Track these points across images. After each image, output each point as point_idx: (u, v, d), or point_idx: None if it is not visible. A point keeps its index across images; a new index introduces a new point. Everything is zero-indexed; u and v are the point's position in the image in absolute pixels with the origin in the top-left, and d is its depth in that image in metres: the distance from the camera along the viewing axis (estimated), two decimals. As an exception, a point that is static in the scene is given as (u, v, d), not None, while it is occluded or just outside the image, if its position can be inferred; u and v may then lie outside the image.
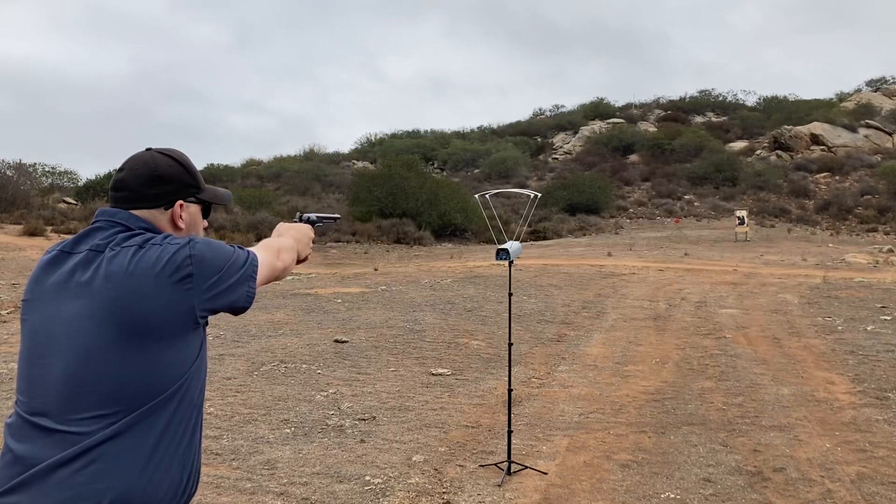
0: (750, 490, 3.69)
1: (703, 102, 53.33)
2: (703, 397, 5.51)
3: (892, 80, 50.53)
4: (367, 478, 3.83)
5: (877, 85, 50.81)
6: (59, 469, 1.24)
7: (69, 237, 1.45)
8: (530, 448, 4.36)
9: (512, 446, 4.06)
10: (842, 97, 51.19)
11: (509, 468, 3.91)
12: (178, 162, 1.49)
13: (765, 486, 3.74)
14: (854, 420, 4.89)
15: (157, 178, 1.44)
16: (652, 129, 47.43)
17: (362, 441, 4.44)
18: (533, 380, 6.12)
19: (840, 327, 8.27)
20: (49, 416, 1.28)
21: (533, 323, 8.77)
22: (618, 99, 60.36)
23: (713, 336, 7.95)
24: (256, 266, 1.43)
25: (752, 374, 6.22)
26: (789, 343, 7.52)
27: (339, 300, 10.43)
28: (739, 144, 43.64)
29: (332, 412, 5.05)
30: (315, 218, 1.88)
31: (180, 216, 1.47)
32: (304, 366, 6.44)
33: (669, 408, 5.23)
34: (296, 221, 1.81)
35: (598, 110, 52.82)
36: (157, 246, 1.34)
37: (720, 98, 54.37)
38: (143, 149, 1.51)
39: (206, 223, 1.57)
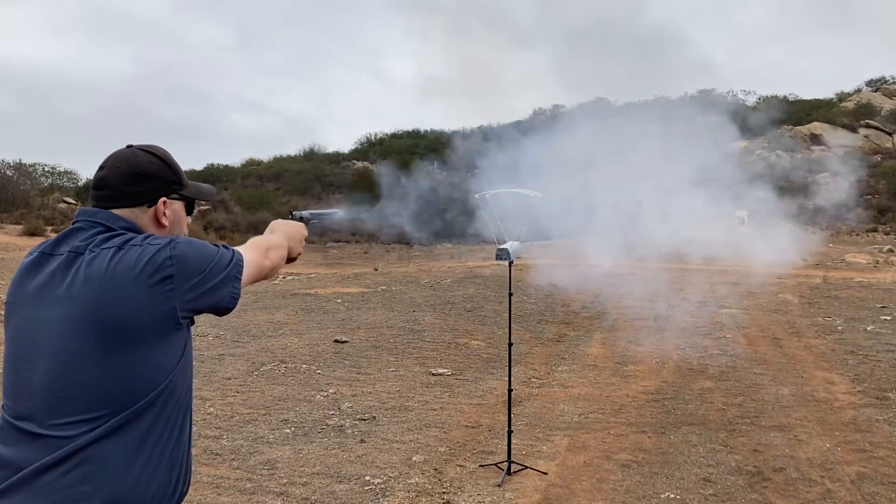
0: (750, 490, 3.69)
1: (703, 102, 53.36)
2: (703, 397, 5.51)
3: (892, 80, 50.53)
4: (367, 478, 3.83)
5: (877, 85, 50.82)
6: (46, 473, 1.23)
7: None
8: (530, 448, 4.36)
9: (512, 446, 4.06)
10: (842, 97, 51.19)
11: (509, 468, 3.91)
12: (160, 158, 1.46)
13: (765, 486, 3.74)
14: (854, 420, 4.89)
15: (140, 176, 1.41)
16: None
17: (362, 441, 4.44)
18: (533, 380, 6.12)
19: (840, 327, 8.27)
20: (34, 420, 1.27)
21: (533, 323, 8.76)
22: (618, 98, 60.16)
23: (713, 336, 7.95)
24: (241, 266, 1.40)
25: (752, 374, 6.21)
26: (789, 343, 7.51)
27: (339, 300, 10.43)
28: (740, 144, 43.66)
29: (332, 412, 5.05)
30: (308, 215, 1.85)
31: (164, 214, 1.44)
32: (304, 366, 6.44)
33: (669, 408, 5.23)
34: (290, 219, 1.78)
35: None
36: (136, 247, 1.31)
37: (720, 97, 54.37)
38: (124, 146, 1.47)
39: (189, 220, 1.54)
